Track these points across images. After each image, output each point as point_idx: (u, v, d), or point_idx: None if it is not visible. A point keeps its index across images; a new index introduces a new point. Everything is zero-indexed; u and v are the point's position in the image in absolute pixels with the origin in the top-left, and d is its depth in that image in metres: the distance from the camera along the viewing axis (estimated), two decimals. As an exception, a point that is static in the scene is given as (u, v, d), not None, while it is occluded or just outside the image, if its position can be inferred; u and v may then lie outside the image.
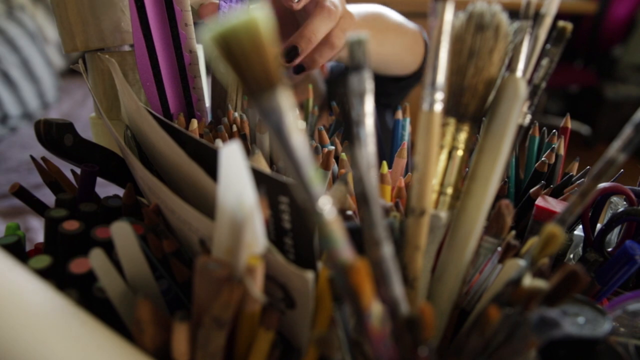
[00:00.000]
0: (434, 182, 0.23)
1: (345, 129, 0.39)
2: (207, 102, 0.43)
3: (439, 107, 0.21)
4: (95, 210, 0.32)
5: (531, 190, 0.32)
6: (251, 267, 0.19)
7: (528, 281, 0.21)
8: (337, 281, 0.17)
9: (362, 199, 0.17)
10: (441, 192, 0.23)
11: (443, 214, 0.24)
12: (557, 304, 0.22)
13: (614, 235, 0.35)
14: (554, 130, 0.38)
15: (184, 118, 0.37)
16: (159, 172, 0.33)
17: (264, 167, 0.28)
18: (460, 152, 0.23)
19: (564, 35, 0.24)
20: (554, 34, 0.24)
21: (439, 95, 0.21)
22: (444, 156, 0.23)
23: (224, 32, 0.13)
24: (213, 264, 0.20)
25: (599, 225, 0.35)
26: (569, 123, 0.42)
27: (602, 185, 0.32)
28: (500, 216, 0.25)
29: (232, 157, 0.19)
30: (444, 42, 0.20)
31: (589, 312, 0.22)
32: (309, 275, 0.20)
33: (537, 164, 0.35)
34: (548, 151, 0.35)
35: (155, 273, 0.29)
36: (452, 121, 0.23)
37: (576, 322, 0.22)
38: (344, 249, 0.17)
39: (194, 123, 0.34)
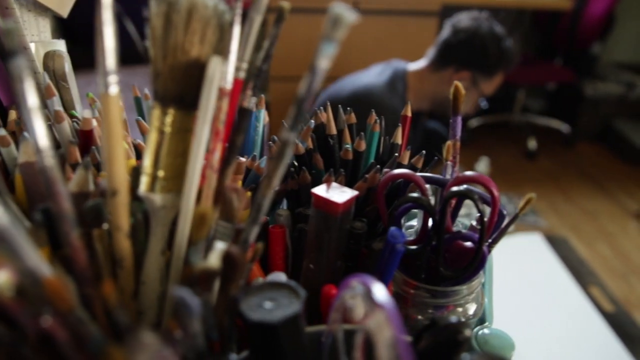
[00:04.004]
0: (147, 164, 0.24)
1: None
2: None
3: (113, 89, 0.21)
4: None
5: (323, 178, 0.33)
6: None
7: (214, 262, 0.22)
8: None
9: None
10: (155, 175, 0.24)
11: (157, 197, 0.24)
12: (232, 286, 0.22)
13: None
14: (369, 123, 0.38)
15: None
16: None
17: (30, 156, 0.29)
18: (167, 136, 0.23)
19: (283, 16, 0.24)
20: (276, 15, 0.25)
21: (112, 79, 0.21)
22: (153, 139, 0.24)
23: None
24: None
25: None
26: (408, 112, 0.42)
27: (394, 171, 0.32)
28: (227, 201, 0.25)
29: None
30: (107, 25, 0.20)
31: (287, 296, 0.22)
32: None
33: (342, 151, 0.35)
34: (357, 139, 0.35)
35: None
36: (157, 105, 0.23)
37: (262, 306, 0.22)
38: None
39: (13, 114, 0.35)
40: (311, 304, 0.32)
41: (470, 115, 1.12)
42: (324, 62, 0.19)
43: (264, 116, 0.44)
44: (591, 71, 2.16)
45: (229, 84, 0.24)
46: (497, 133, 2.22)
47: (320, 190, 0.30)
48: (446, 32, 1.00)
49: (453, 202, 0.33)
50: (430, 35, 1.71)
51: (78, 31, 1.18)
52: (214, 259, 0.22)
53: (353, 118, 0.40)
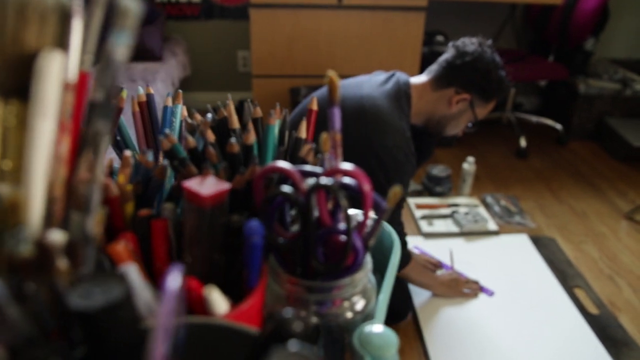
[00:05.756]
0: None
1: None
2: None
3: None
4: None
5: (203, 172, 0.33)
6: None
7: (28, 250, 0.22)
8: None
9: None
10: (0, 167, 0.25)
11: (4, 188, 0.25)
12: (50, 274, 0.23)
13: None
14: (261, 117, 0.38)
15: None
16: None
17: None
18: (11, 128, 0.24)
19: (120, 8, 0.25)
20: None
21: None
22: (-4, 132, 0.24)
23: None
24: None
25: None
26: (314, 105, 0.42)
27: (269, 165, 0.32)
28: (76, 192, 0.26)
29: None
30: None
31: (117, 286, 0.23)
32: None
33: (227, 145, 0.35)
34: (245, 133, 0.36)
35: None
36: (-1, 98, 0.24)
37: (90, 295, 0.22)
38: None
39: None
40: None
41: (458, 137, 1.12)
42: (121, 51, 0.20)
43: (181, 111, 0.45)
44: (584, 68, 2.13)
45: (73, 77, 0.25)
46: (487, 131, 2.19)
47: (192, 183, 0.31)
48: (450, 53, 1.01)
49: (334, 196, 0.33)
50: (417, 32, 1.70)
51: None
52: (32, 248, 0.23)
53: (259, 112, 0.41)
